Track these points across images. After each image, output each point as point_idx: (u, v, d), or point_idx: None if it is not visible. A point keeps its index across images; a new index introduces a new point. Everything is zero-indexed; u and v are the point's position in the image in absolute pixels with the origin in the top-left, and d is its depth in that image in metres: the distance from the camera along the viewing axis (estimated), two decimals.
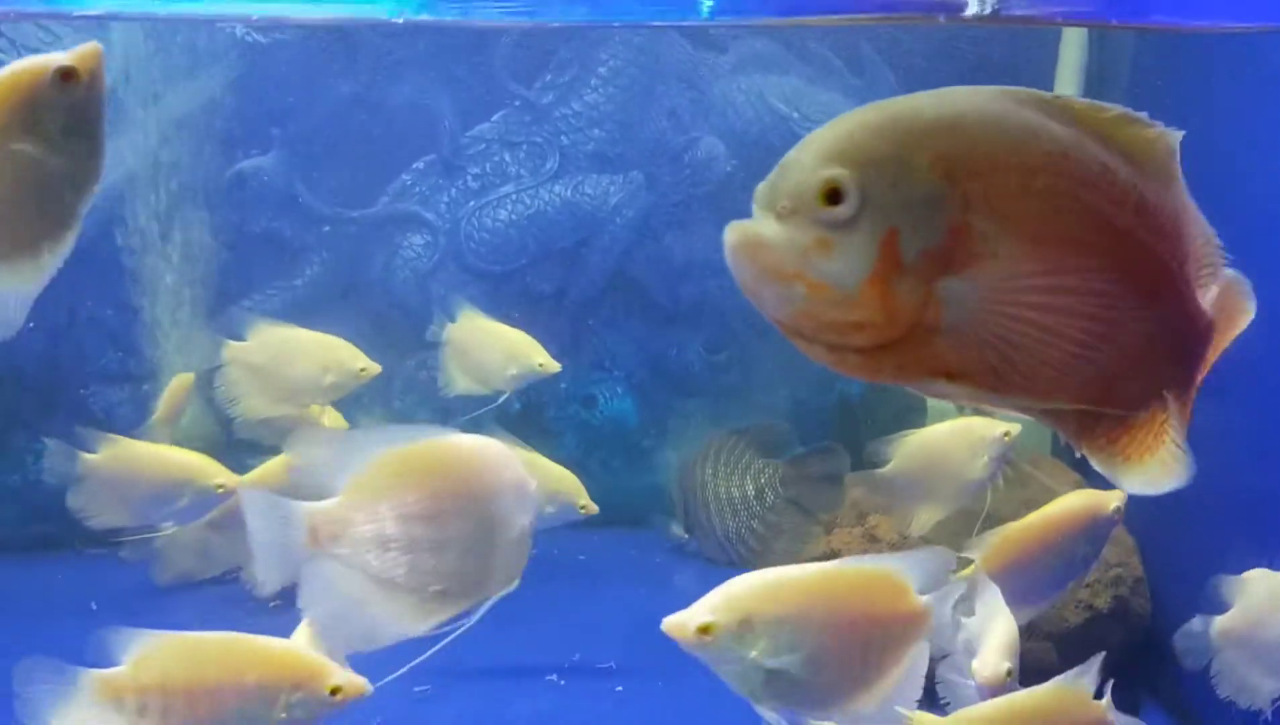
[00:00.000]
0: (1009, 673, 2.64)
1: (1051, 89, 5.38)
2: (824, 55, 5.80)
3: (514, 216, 5.73)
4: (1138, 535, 4.16)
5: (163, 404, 4.78)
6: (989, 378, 1.41)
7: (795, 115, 5.78)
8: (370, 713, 3.48)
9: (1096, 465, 1.56)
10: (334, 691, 2.25)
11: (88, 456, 3.92)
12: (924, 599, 2.20)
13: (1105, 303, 1.43)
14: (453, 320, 4.65)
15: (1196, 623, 3.08)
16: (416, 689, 3.69)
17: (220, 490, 3.75)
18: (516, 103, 5.68)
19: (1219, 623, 3.03)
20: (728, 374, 5.78)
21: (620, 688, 3.72)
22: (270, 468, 3.91)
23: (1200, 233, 1.53)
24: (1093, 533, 3.15)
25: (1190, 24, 3.92)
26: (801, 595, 2.14)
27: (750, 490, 4.76)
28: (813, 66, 5.80)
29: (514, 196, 5.75)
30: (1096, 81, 5.27)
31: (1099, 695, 2.47)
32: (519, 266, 5.71)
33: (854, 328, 1.36)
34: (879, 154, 1.34)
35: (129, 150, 5.33)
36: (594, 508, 3.98)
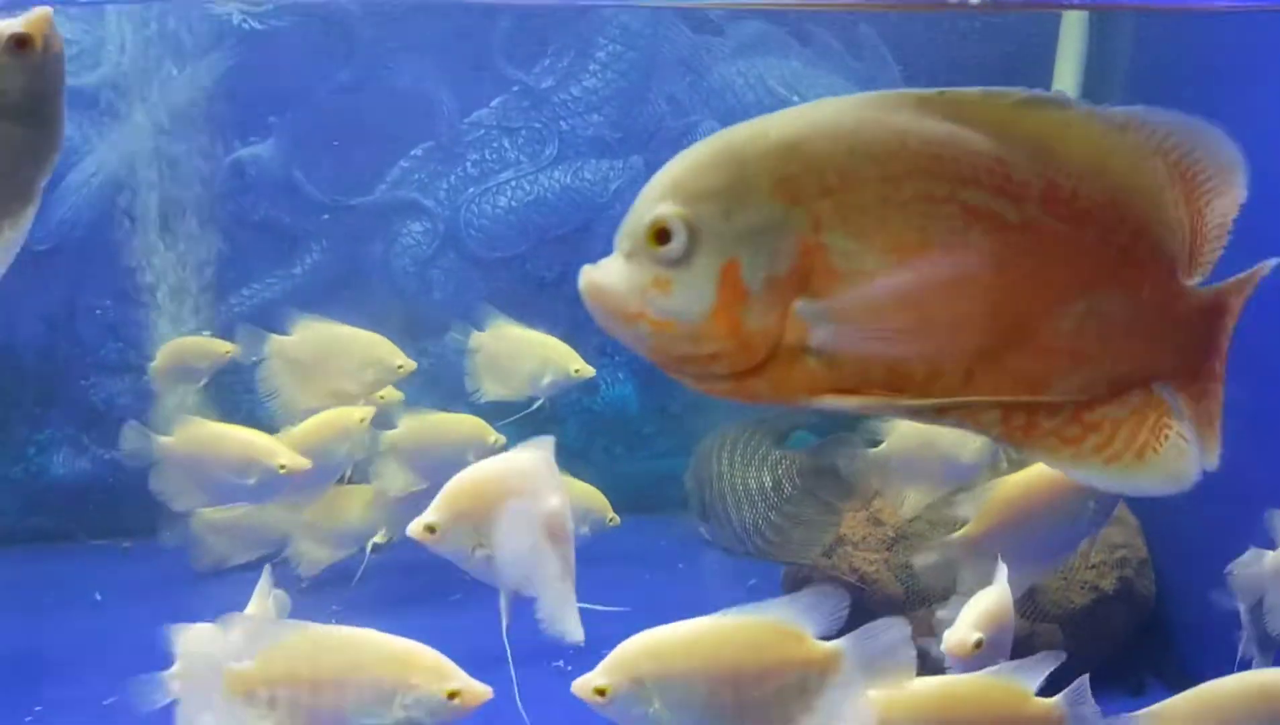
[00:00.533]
0: (978, 643, 2.60)
1: (1051, 71, 5.36)
2: (824, 38, 5.77)
3: (514, 203, 5.71)
4: (1142, 517, 4.16)
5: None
6: (881, 388, 1.39)
7: (795, 99, 5.76)
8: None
9: (1072, 470, 1.51)
10: (452, 695, 2.27)
11: (163, 439, 3.93)
12: (829, 644, 2.21)
13: (1004, 299, 1.40)
14: (479, 328, 4.65)
15: (1249, 556, 2.99)
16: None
17: (283, 470, 3.78)
18: (515, 88, 5.66)
19: (1272, 556, 2.95)
20: None
21: None
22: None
23: (1180, 217, 1.49)
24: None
25: (1193, 4, 3.90)
26: (690, 652, 2.19)
27: (768, 481, 4.75)
28: (813, 49, 5.77)
29: (514, 182, 5.73)
30: (1097, 64, 5.25)
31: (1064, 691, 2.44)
32: (519, 253, 5.70)
33: (710, 359, 1.36)
34: (710, 187, 1.34)
35: (126, 139, 5.30)
36: (618, 520, 4.13)
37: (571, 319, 5.70)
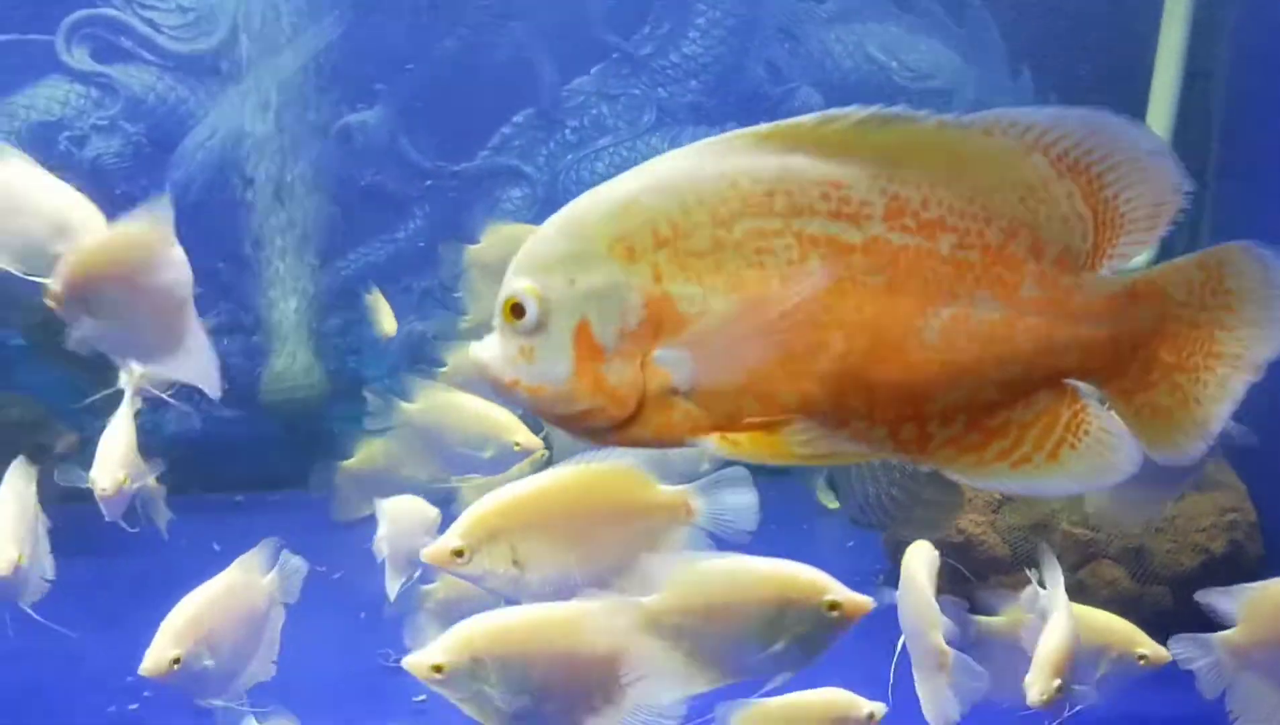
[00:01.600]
0: (1059, 689, 2.66)
1: (1158, 25, 5.30)
2: (925, 3, 5.76)
3: (611, 169, 5.77)
4: (1250, 481, 4.14)
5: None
6: (760, 420, 1.44)
7: (894, 65, 5.76)
8: None
9: (973, 478, 1.52)
10: (832, 608, 2.32)
11: (406, 405, 3.93)
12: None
13: (856, 319, 1.42)
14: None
15: None
16: None
17: (517, 448, 3.72)
18: (615, 55, 5.72)
19: None
20: None
21: None
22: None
23: (1078, 210, 1.48)
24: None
25: None
26: (527, 633, 2.26)
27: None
28: (914, 15, 5.76)
29: (611, 149, 5.80)
30: (1205, 22, 5.19)
31: None
32: None
33: (585, 415, 1.44)
34: (553, 257, 1.41)
35: (241, 105, 5.45)
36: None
37: None
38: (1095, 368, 1.51)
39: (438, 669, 2.24)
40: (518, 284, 1.41)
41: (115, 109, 5.36)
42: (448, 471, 3.80)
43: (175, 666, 2.71)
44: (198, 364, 2.85)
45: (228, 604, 2.92)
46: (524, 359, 1.43)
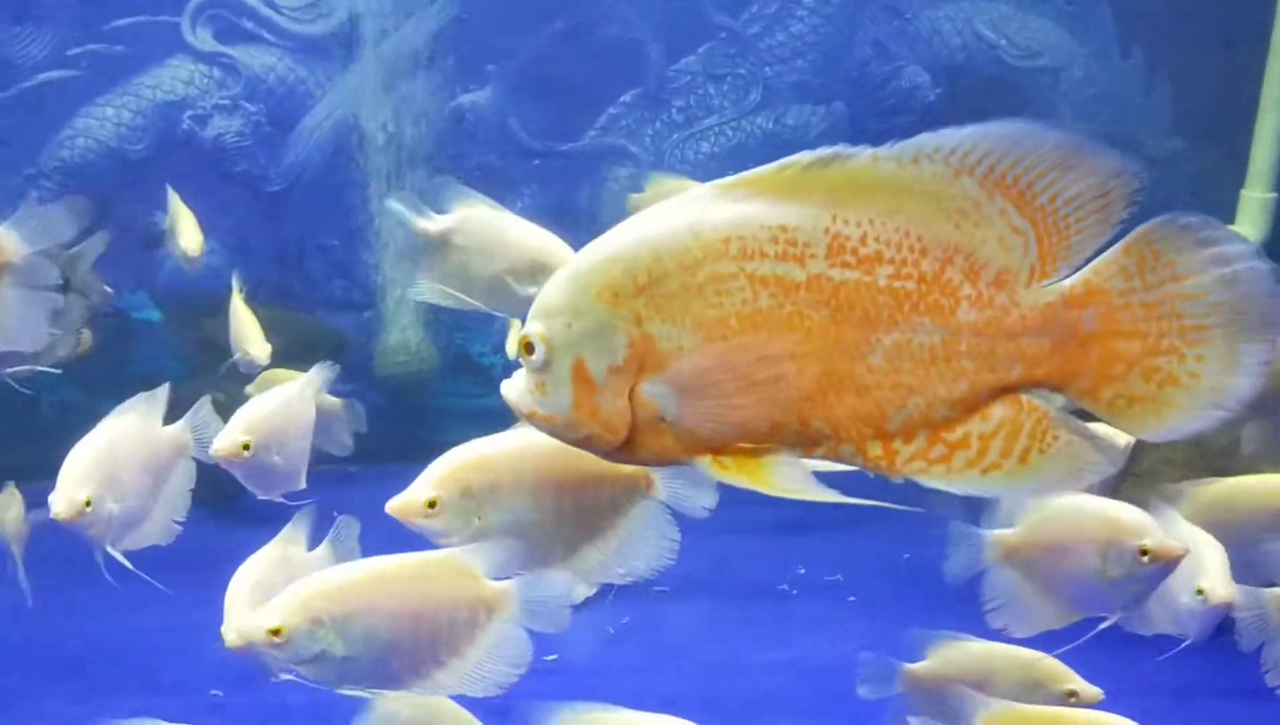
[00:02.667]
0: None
1: (1273, 12, 5.21)
2: None
3: (716, 149, 5.81)
4: None
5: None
6: (739, 444, 1.63)
7: (1003, 42, 5.72)
8: (618, 613, 3.66)
9: (948, 486, 1.62)
10: (1143, 553, 2.44)
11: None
12: (499, 584, 2.26)
13: (807, 351, 1.58)
14: None
15: None
16: (656, 588, 3.87)
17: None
18: (722, 34, 5.75)
19: None
20: None
21: (853, 598, 3.82)
22: None
23: (1014, 225, 1.56)
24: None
25: None
26: (366, 589, 2.24)
27: None
28: None
29: (717, 129, 5.83)
30: None
31: None
32: None
33: (589, 440, 1.66)
34: (556, 304, 1.62)
35: (357, 86, 5.57)
36: None
37: None
38: (1044, 377, 1.60)
39: (276, 632, 2.20)
40: (530, 327, 1.63)
41: (237, 89, 5.51)
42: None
43: (87, 508, 2.60)
44: None
45: (130, 449, 2.80)
46: (539, 392, 1.65)
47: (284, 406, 3.16)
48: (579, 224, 5.85)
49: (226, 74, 5.52)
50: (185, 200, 5.48)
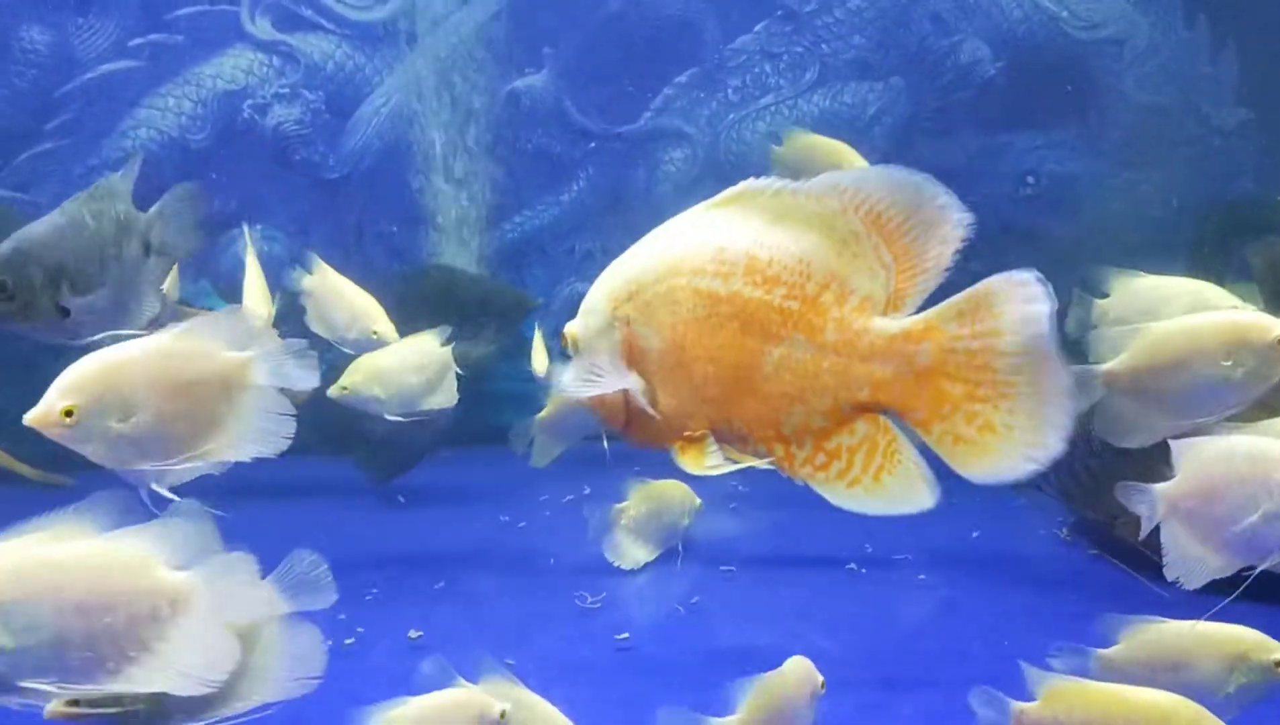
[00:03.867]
0: None
1: None
2: None
3: (772, 128, 5.76)
4: None
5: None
6: (704, 432, 1.96)
7: (1065, 14, 5.63)
8: (688, 591, 3.65)
9: (826, 494, 1.89)
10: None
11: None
12: (179, 576, 2.08)
13: (724, 356, 1.91)
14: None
15: None
16: (722, 568, 3.86)
17: None
18: (779, 12, 5.71)
19: None
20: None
21: (923, 576, 3.78)
22: None
23: (883, 259, 1.85)
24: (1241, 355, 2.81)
25: None
26: (36, 576, 2.06)
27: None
28: None
29: (773, 108, 5.79)
30: None
31: None
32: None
33: (604, 422, 2.02)
34: (584, 307, 1.98)
35: (413, 72, 5.59)
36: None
37: None
38: (887, 401, 1.85)
39: None
40: (567, 326, 1.99)
41: (296, 77, 5.55)
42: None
43: (68, 421, 2.22)
44: None
45: (162, 365, 2.33)
46: (577, 380, 1.98)
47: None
48: (635, 206, 5.85)
49: (286, 62, 5.55)
50: (246, 188, 5.55)
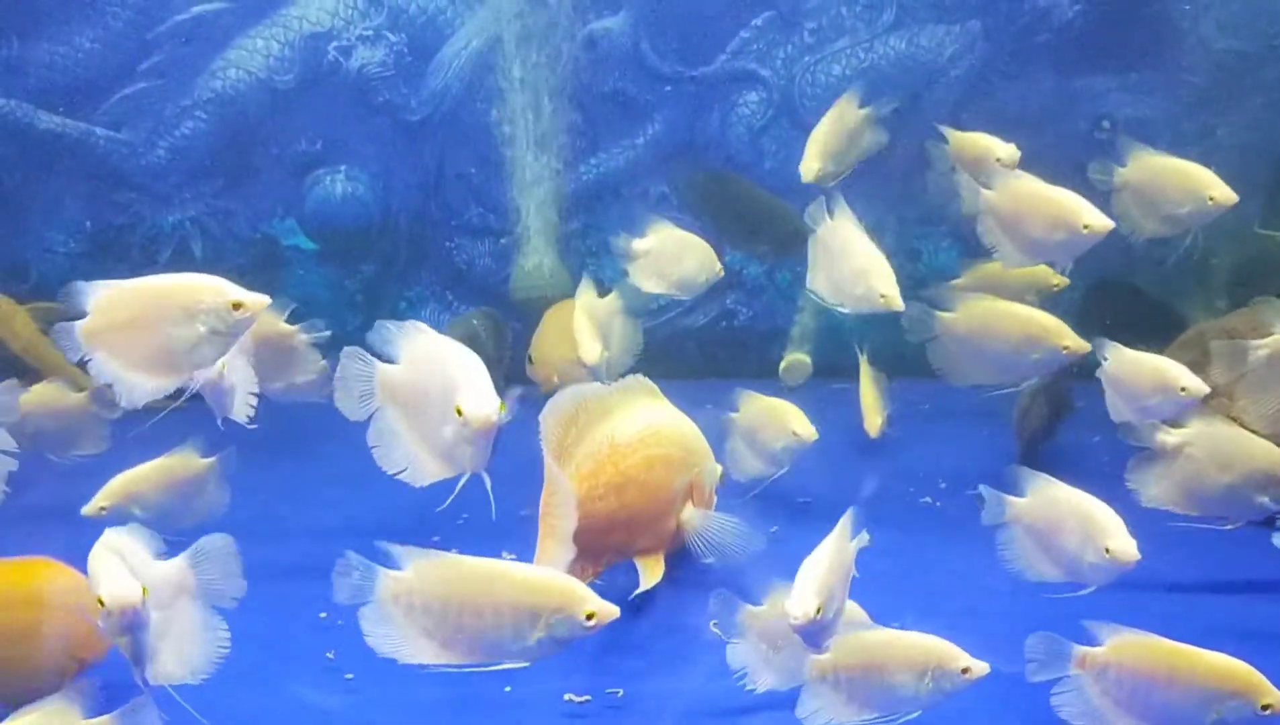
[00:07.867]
0: (818, 610, 2.52)
1: None
2: None
3: (847, 71, 5.79)
4: None
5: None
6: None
7: None
8: (766, 523, 3.75)
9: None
10: (589, 617, 2.40)
11: (944, 315, 4.14)
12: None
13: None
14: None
15: None
16: (800, 498, 3.95)
17: (1065, 351, 3.91)
18: None
19: None
20: None
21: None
22: None
23: None
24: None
25: None
26: None
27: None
28: None
29: (849, 51, 5.81)
30: None
31: None
32: None
33: None
34: None
35: (493, 15, 5.67)
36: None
37: (900, 188, 5.72)
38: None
39: None
40: None
41: (379, 19, 5.66)
42: (994, 378, 4.10)
43: (103, 512, 3.46)
44: None
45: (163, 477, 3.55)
46: None
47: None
48: (709, 149, 5.91)
49: (370, 4, 5.66)
50: (330, 129, 5.68)
